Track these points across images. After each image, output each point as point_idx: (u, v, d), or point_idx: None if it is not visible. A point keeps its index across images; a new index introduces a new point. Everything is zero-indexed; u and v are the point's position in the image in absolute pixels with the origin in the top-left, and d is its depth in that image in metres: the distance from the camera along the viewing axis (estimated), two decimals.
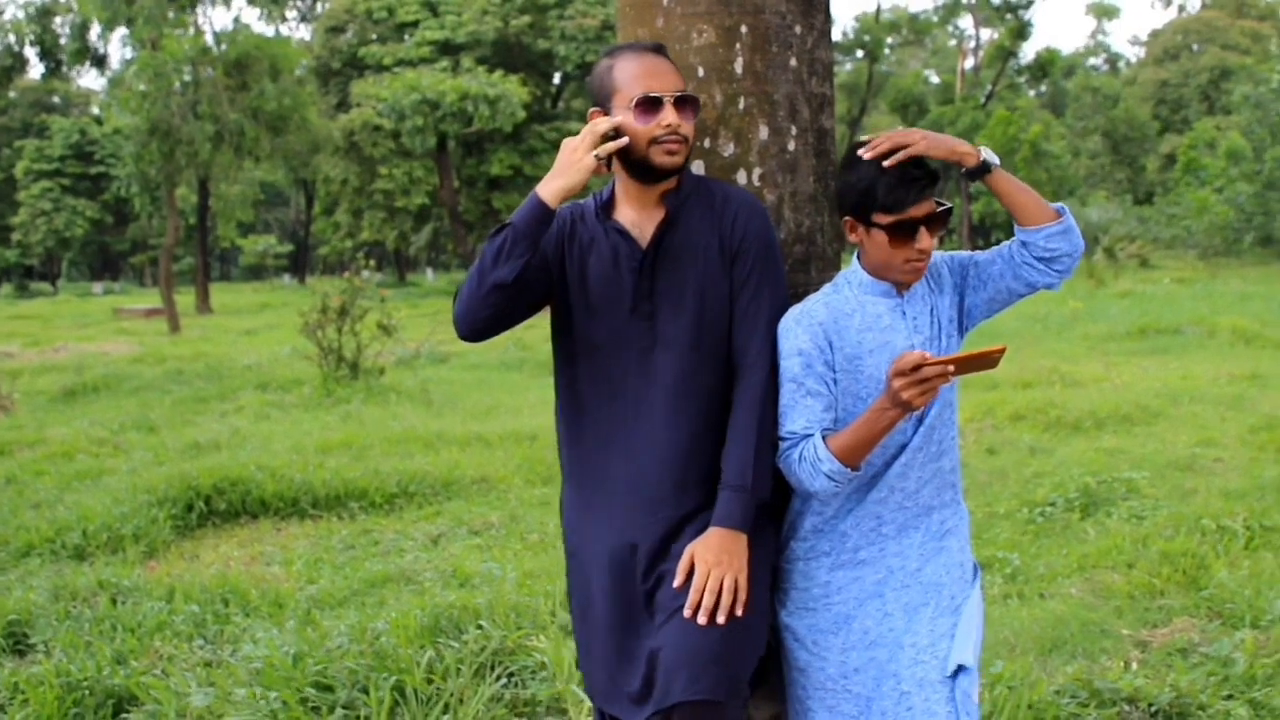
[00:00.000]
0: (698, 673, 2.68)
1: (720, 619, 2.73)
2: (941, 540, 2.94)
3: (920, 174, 2.77)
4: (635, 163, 2.88)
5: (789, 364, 2.88)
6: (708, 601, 2.73)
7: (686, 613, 2.74)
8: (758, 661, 2.86)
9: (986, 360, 2.60)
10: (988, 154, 2.88)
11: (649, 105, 2.83)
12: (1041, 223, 2.92)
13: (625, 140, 2.83)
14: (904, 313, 2.91)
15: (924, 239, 2.78)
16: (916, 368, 2.61)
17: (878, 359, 2.86)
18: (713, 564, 2.76)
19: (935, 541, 2.94)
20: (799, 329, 2.89)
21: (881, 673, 2.87)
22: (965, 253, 3.03)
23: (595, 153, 2.81)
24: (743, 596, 2.76)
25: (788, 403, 2.87)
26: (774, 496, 2.92)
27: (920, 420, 2.89)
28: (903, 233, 2.78)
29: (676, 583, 2.79)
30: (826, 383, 2.87)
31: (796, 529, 2.98)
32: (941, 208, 2.82)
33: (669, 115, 2.83)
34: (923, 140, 2.79)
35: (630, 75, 2.87)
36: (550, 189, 2.83)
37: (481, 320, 2.89)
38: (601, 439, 2.98)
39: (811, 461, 2.80)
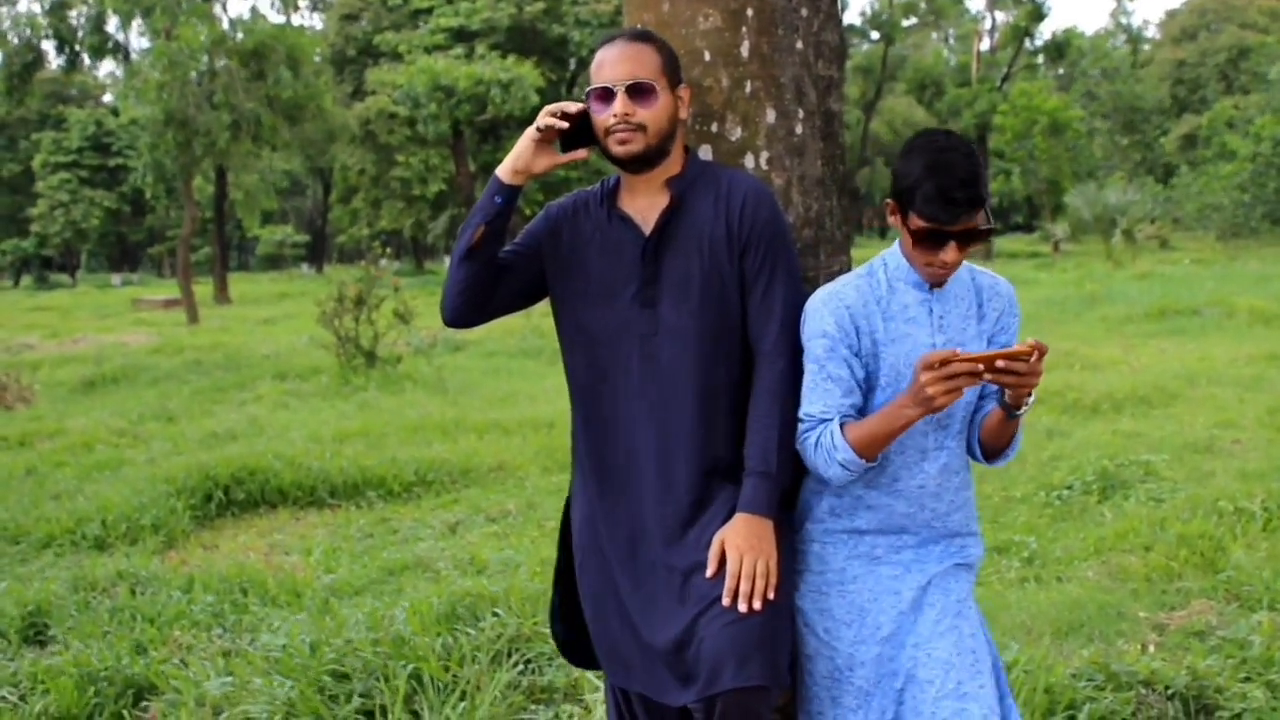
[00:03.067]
0: (744, 659, 2.67)
1: (757, 604, 2.72)
2: (958, 555, 2.92)
3: (962, 197, 2.64)
4: (605, 153, 2.93)
5: (813, 345, 2.84)
6: (744, 588, 2.73)
7: (725, 600, 2.73)
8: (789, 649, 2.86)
9: (1018, 363, 2.56)
10: (1028, 408, 2.77)
11: (601, 95, 2.88)
12: (989, 451, 2.92)
13: (559, 125, 2.87)
14: (931, 309, 2.85)
15: (950, 252, 2.70)
16: (946, 362, 2.57)
17: (898, 350, 2.82)
18: (745, 550, 2.75)
19: (956, 554, 2.92)
20: (825, 311, 2.84)
21: (884, 669, 2.86)
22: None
23: (536, 125, 2.87)
24: (774, 581, 2.76)
25: (809, 384, 2.85)
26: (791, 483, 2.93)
27: (952, 433, 2.87)
28: (931, 241, 2.71)
29: (709, 572, 2.78)
30: (850, 367, 2.82)
31: (812, 509, 2.94)
32: (981, 227, 2.72)
33: (618, 104, 2.85)
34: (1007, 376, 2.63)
35: (596, 64, 2.93)
36: (504, 163, 2.92)
37: (455, 297, 2.97)
38: (607, 427, 2.98)
39: (828, 449, 2.78)
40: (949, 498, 2.89)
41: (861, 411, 2.85)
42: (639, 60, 2.89)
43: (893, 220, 2.79)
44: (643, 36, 2.94)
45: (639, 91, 2.86)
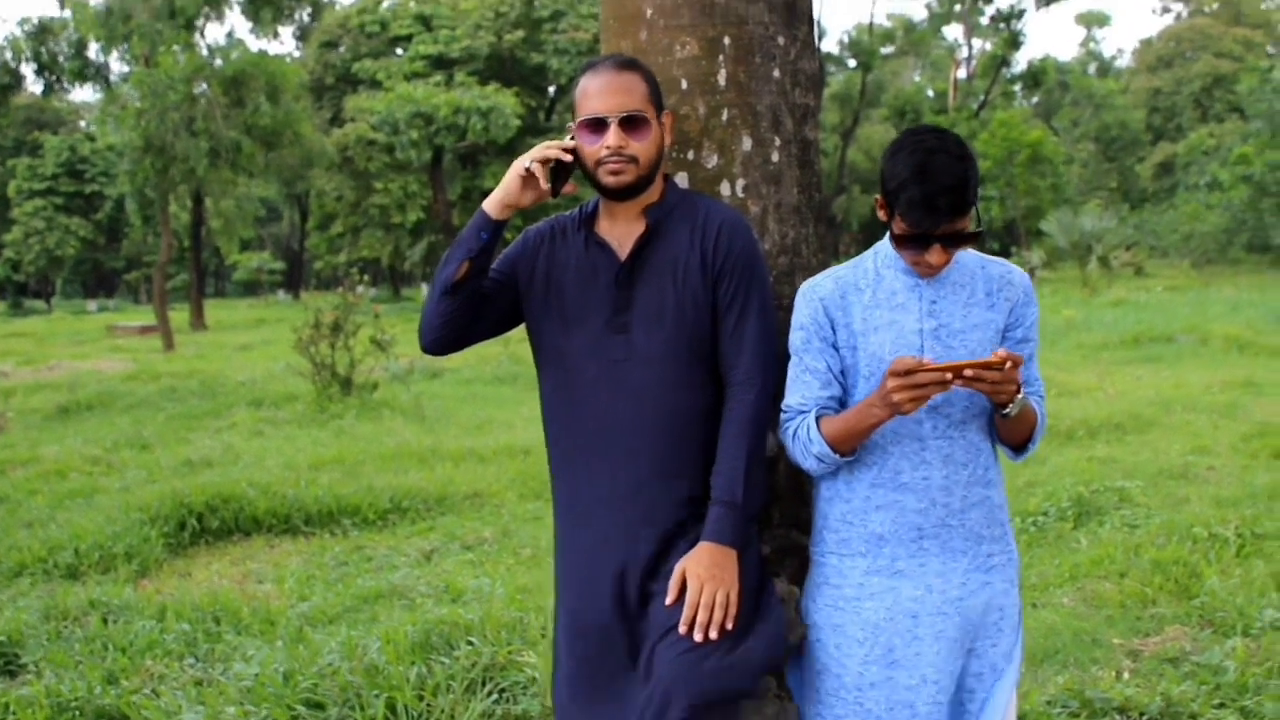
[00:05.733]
0: (694, 685, 2.66)
1: (714, 634, 2.71)
2: (987, 574, 2.84)
3: (945, 204, 2.59)
4: (591, 181, 2.91)
5: (793, 337, 2.88)
6: (702, 617, 2.71)
7: (681, 629, 2.72)
8: (754, 677, 2.80)
9: (990, 372, 2.55)
10: (1015, 408, 2.71)
11: (593, 126, 2.86)
12: (1009, 446, 2.89)
13: (564, 159, 2.86)
14: (921, 295, 2.81)
15: (935, 254, 2.67)
16: (911, 371, 2.55)
17: (882, 338, 2.79)
18: (705, 579, 2.74)
19: (981, 575, 2.83)
20: (802, 303, 2.88)
21: (897, 697, 2.79)
22: (1028, 346, 2.87)
23: (525, 164, 2.84)
24: (733, 611, 2.74)
25: (790, 377, 2.88)
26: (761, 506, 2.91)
27: (954, 422, 2.80)
28: (915, 243, 2.68)
29: (669, 599, 2.77)
30: (826, 360, 2.83)
31: (827, 518, 2.91)
32: (968, 231, 2.67)
33: (611, 136, 2.84)
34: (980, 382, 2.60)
35: (584, 93, 2.89)
36: (490, 198, 2.88)
37: (438, 329, 2.95)
38: (580, 455, 2.97)
39: (804, 441, 2.79)
40: (960, 493, 2.81)
41: (844, 402, 2.85)
42: (629, 90, 2.88)
43: (881, 215, 2.75)
44: (629, 64, 2.93)
45: (631, 123, 2.85)
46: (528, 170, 2.84)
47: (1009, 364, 2.55)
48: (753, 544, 2.91)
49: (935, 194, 2.59)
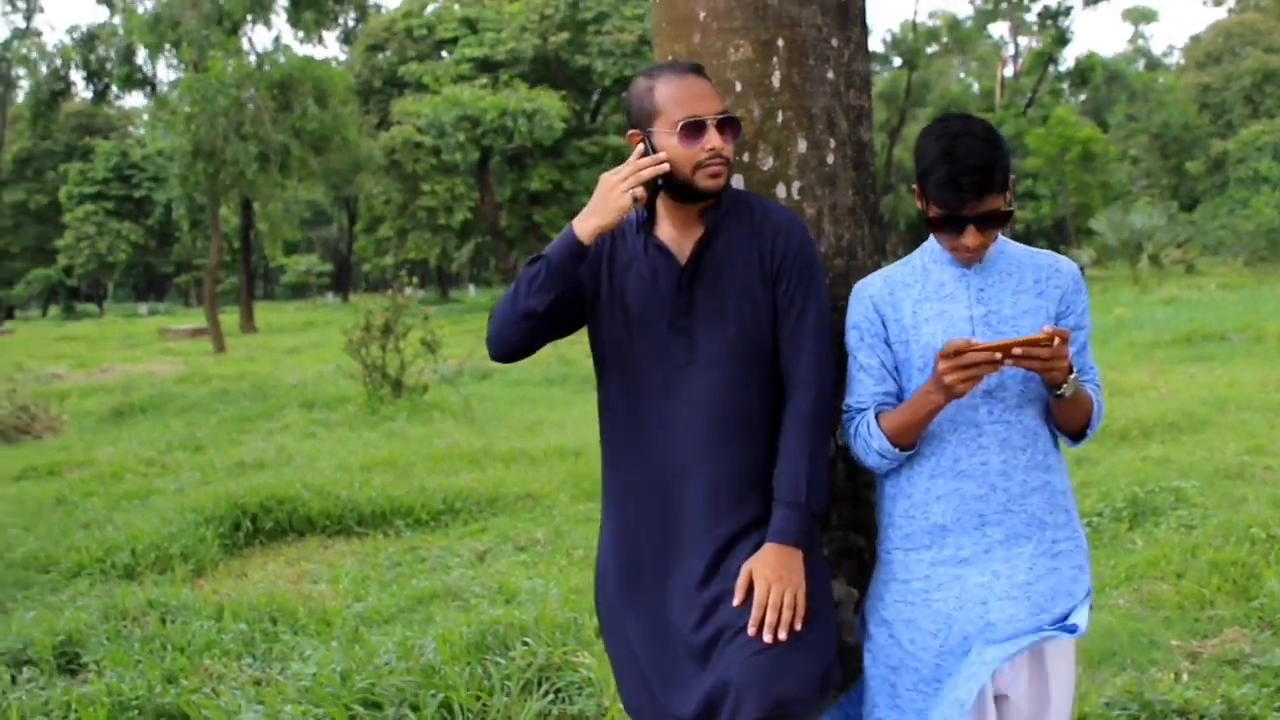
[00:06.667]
0: (766, 690, 2.66)
1: (782, 635, 2.71)
2: (1054, 560, 2.83)
3: (969, 184, 2.65)
4: (679, 186, 2.85)
5: (848, 337, 2.93)
6: (770, 618, 2.72)
7: (750, 630, 2.72)
8: (817, 685, 2.78)
9: (1039, 349, 2.55)
10: (1069, 388, 2.73)
11: (693, 129, 2.80)
12: (1066, 432, 2.89)
13: (662, 170, 2.80)
14: (969, 284, 2.84)
15: (970, 236, 2.71)
16: (960, 352, 2.58)
17: (934, 328, 2.82)
18: (773, 580, 2.75)
19: (1048, 560, 2.82)
20: (854, 303, 2.93)
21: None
22: (1079, 334, 2.87)
23: (632, 193, 2.77)
24: (801, 612, 2.75)
25: (849, 377, 2.92)
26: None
27: (1009, 406, 2.81)
28: (948, 226, 2.73)
29: (736, 601, 2.77)
30: (880, 357, 2.87)
31: (891, 515, 2.92)
32: (1001, 210, 2.71)
33: (713, 139, 2.80)
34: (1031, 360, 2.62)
35: (672, 98, 2.84)
36: (586, 227, 2.80)
37: (512, 344, 2.92)
38: (640, 456, 2.97)
39: (865, 438, 2.83)
40: (1020, 477, 2.80)
41: (900, 398, 2.87)
42: (716, 94, 2.88)
43: (919, 204, 2.80)
44: (701, 70, 2.91)
45: (728, 124, 2.84)
46: (635, 197, 2.78)
47: (1057, 340, 2.57)
48: (817, 545, 2.91)
49: (960, 174, 2.65)
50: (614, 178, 2.79)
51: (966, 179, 2.65)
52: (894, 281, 2.91)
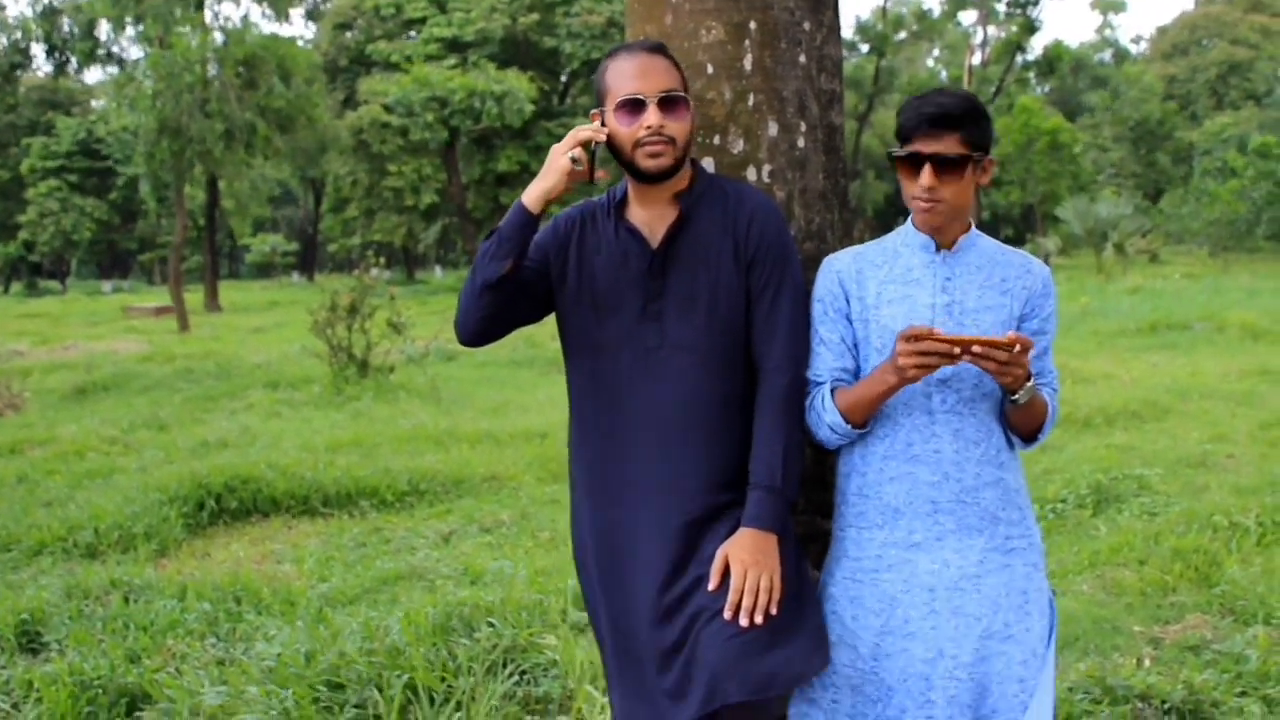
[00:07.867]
0: (746, 674, 2.65)
1: (758, 619, 2.71)
2: (1006, 556, 2.84)
3: (932, 111, 2.71)
4: (626, 165, 2.88)
5: (813, 309, 2.95)
6: (747, 602, 2.71)
7: (727, 614, 2.71)
8: (809, 656, 2.79)
9: (998, 351, 2.56)
10: (1024, 394, 2.73)
11: (631, 107, 2.82)
12: (1018, 434, 2.89)
13: (599, 139, 2.82)
14: (936, 271, 2.86)
15: (925, 176, 2.72)
16: (920, 338, 2.59)
17: (895, 310, 2.84)
18: (749, 564, 2.74)
19: (1000, 555, 2.83)
20: (822, 276, 2.96)
21: (911, 669, 2.81)
22: (1043, 338, 2.89)
23: (569, 154, 2.79)
24: (777, 595, 2.75)
25: (812, 348, 2.93)
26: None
27: (963, 398, 2.82)
28: (907, 165, 2.75)
29: (712, 585, 2.77)
30: (840, 332, 2.90)
31: (845, 492, 2.94)
32: (955, 154, 2.72)
33: (650, 117, 2.81)
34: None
35: (618, 76, 2.86)
36: (532, 193, 2.83)
37: (478, 322, 2.91)
38: (611, 443, 2.96)
39: (818, 411, 2.86)
40: (974, 469, 2.82)
41: (857, 375, 2.89)
42: (666, 73, 2.86)
43: (900, 177, 2.83)
44: (659, 49, 2.91)
45: (669, 103, 2.83)
46: (572, 160, 2.79)
47: (1018, 347, 2.58)
48: (790, 530, 2.91)
49: (924, 105, 2.74)
50: (560, 143, 2.83)
51: (929, 109, 2.72)
52: (864, 260, 2.92)
